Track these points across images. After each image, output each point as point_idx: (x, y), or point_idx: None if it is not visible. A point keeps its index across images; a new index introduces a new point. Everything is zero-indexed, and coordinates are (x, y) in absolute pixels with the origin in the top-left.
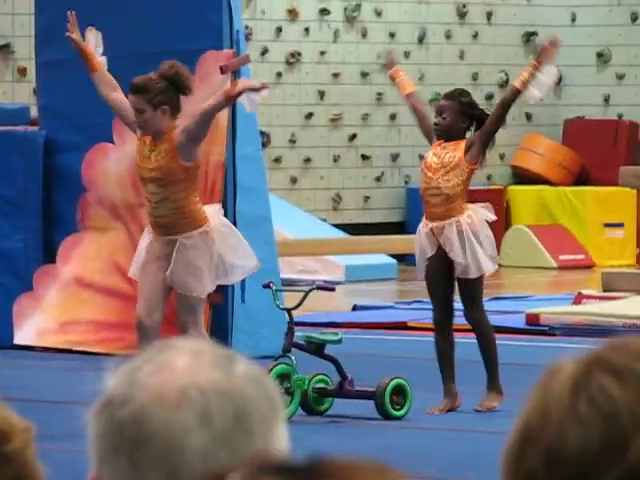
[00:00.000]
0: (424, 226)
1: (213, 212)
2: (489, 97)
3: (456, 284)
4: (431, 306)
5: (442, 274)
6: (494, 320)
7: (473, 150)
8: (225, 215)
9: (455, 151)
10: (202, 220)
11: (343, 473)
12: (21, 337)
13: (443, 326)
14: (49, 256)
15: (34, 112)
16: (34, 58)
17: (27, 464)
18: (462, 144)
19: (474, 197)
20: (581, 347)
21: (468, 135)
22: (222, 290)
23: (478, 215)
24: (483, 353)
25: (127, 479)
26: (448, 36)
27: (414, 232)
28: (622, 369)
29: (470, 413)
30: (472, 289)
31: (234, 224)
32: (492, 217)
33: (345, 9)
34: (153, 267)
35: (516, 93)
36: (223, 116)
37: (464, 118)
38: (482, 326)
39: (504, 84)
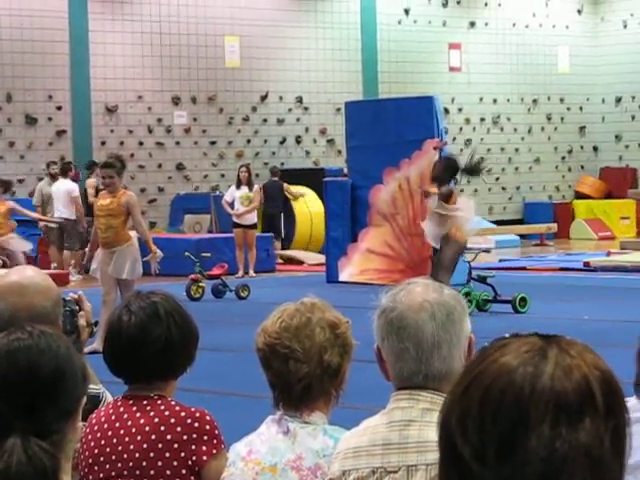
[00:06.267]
0: None
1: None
2: None
3: None
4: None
5: None
6: (568, 265)
7: None
8: None
9: None
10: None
11: (569, 340)
12: (343, 276)
13: None
14: (354, 238)
15: (345, 171)
16: (345, 144)
17: (347, 339)
18: None
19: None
20: (613, 278)
21: None
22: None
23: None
24: None
25: (395, 347)
26: None
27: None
28: None
29: None
30: None
31: None
32: None
33: None
34: (105, 267)
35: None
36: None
37: None
38: None
39: None
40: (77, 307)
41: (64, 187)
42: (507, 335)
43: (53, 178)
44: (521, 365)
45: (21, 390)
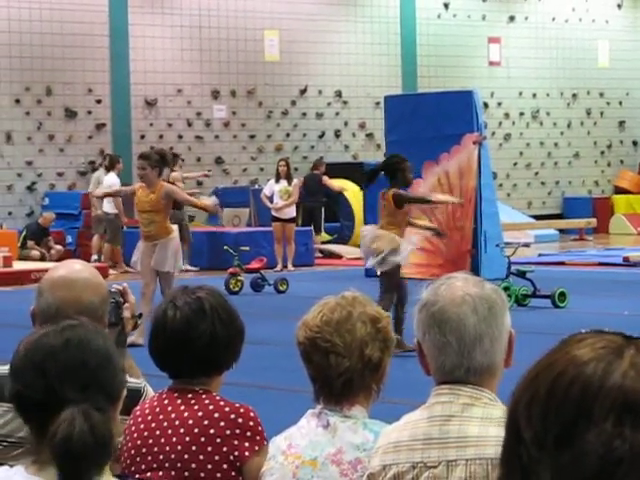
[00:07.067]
0: None
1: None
2: None
3: None
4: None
5: None
6: (607, 260)
7: None
8: (475, 211)
9: None
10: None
11: None
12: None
13: None
14: None
15: None
16: (384, 138)
17: (388, 334)
18: None
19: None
20: None
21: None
22: (474, 246)
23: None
24: None
25: (437, 341)
26: None
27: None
28: None
29: None
30: None
31: (481, 217)
32: None
33: None
34: (146, 260)
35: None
36: (474, 158)
37: None
38: None
39: None
40: (122, 299)
41: (109, 181)
42: (584, 331)
43: (107, 169)
44: (594, 360)
45: (73, 377)
